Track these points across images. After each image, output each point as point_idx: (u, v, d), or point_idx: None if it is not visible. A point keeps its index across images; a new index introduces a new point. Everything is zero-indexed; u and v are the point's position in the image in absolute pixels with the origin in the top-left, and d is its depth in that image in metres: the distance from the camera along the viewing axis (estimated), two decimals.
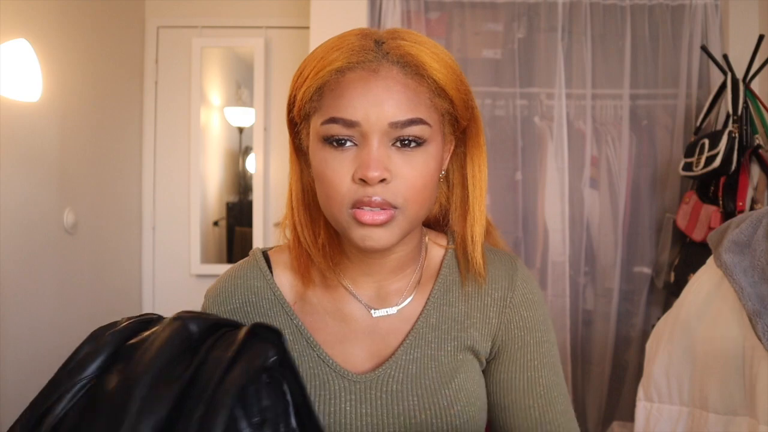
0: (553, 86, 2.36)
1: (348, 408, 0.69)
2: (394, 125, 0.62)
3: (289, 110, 0.70)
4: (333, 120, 0.63)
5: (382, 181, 0.62)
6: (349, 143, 0.64)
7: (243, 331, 0.58)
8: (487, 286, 0.75)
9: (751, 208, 1.88)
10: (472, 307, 0.75)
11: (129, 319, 0.61)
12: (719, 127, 2.11)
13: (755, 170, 1.92)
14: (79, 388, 0.55)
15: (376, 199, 0.62)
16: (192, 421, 0.50)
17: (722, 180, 1.95)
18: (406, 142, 0.64)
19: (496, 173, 2.39)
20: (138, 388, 0.52)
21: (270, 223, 2.90)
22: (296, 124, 0.71)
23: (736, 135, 1.92)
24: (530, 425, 0.72)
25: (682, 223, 2.10)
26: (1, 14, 1.87)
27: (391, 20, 2.34)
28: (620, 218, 2.37)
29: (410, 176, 0.64)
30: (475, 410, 0.72)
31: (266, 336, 0.59)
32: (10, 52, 1.88)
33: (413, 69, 0.64)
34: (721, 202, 1.94)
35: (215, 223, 3.04)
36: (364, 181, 0.62)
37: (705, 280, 0.99)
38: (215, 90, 3.01)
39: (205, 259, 2.93)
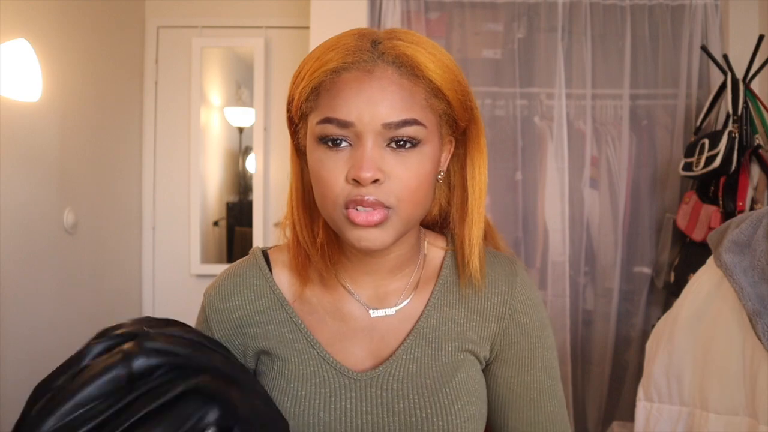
0: (553, 86, 2.36)
1: (349, 406, 0.70)
2: (388, 126, 0.62)
3: (288, 109, 0.70)
4: (328, 120, 0.63)
5: (376, 181, 0.63)
6: (344, 143, 0.64)
7: (178, 389, 0.55)
8: (486, 289, 0.75)
9: (751, 208, 1.88)
10: (472, 310, 0.75)
11: (122, 327, 0.61)
12: (719, 127, 2.11)
13: (755, 170, 1.92)
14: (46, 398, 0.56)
15: (369, 198, 0.62)
16: None
17: (722, 180, 1.95)
18: (401, 142, 0.64)
19: (496, 173, 2.39)
20: (51, 417, 0.52)
21: (270, 223, 2.90)
22: (295, 123, 0.71)
23: (736, 135, 1.92)
24: (521, 427, 0.76)
25: (682, 223, 2.10)
26: (1, 14, 1.87)
27: (391, 20, 2.33)
28: (620, 218, 2.37)
29: (404, 177, 0.64)
30: (476, 409, 0.73)
31: (216, 397, 0.55)
32: (10, 52, 1.88)
33: (408, 69, 0.64)
34: (721, 202, 1.94)
35: (215, 223, 3.04)
36: (357, 182, 0.62)
37: (705, 280, 0.99)
38: (215, 90, 3.01)
39: (205, 259, 2.93)
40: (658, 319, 1.14)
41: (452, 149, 0.73)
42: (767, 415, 0.85)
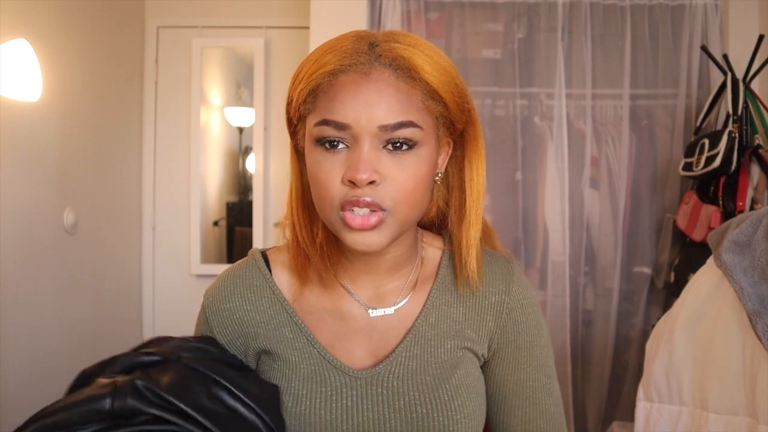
0: (553, 86, 2.36)
1: (350, 404, 0.70)
2: (384, 128, 0.63)
3: (287, 111, 0.71)
4: (325, 122, 0.64)
5: (372, 183, 0.63)
6: (341, 145, 0.65)
7: None
8: (484, 288, 0.76)
9: (751, 208, 1.88)
10: (470, 308, 0.76)
11: (155, 345, 0.63)
12: (719, 127, 2.11)
13: (755, 170, 1.92)
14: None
15: (365, 199, 0.63)
16: None
17: (722, 180, 1.95)
18: (397, 144, 0.64)
19: (496, 173, 2.39)
20: (30, 426, 0.54)
21: (270, 223, 2.90)
22: (294, 124, 0.72)
23: (736, 135, 1.92)
24: (514, 424, 0.77)
25: (682, 223, 2.10)
26: (1, 14, 1.87)
27: (391, 20, 2.33)
28: (620, 218, 2.37)
29: (400, 179, 0.64)
30: (475, 405, 0.74)
31: None
32: (10, 52, 1.88)
33: (405, 72, 0.64)
34: (721, 202, 1.94)
35: (215, 223, 3.04)
36: (353, 183, 0.63)
37: (705, 280, 0.99)
38: (215, 90, 3.01)
39: (205, 259, 2.93)
40: (658, 319, 1.14)
41: (450, 151, 0.74)
42: (767, 415, 0.85)
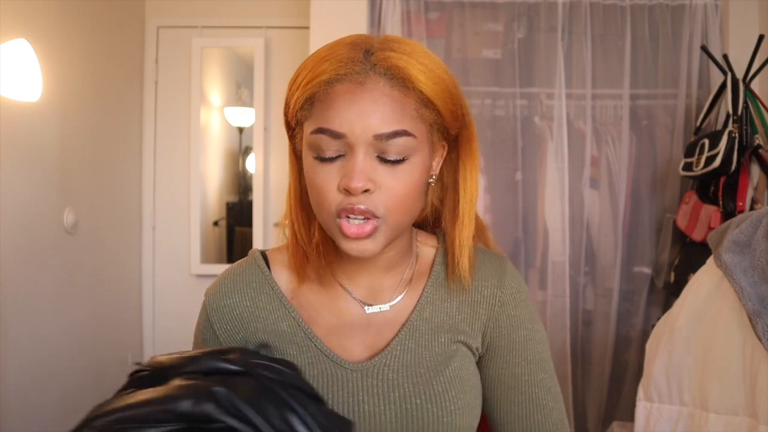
0: (553, 86, 2.36)
1: (346, 395, 0.72)
2: (379, 137, 0.64)
3: (285, 114, 0.72)
4: (321, 130, 0.66)
5: (366, 191, 0.65)
6: (336, 155, 0.66)
7: None
8: (477, 282, 0.78)
9: (751, 208, 1.89)
10: (463, 302, 0.78)
11: (234, 353, 0.64)
12: (719, 127, 2.11)
13: (755, 170, 1.92)
14: None
15: (360, 207, 0.65)
16: None
17: (722, 180, 1.95)
18: (390, 160, 0.66)
19: (496, 173, 2.39)
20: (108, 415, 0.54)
21: (270, 223, 2.90)
22: (292, 128, 0.73)
23: (736, 135, 1.92)
24: (512, 420, 0.78)
25: (682, 223, 2.10)
26: (1, 14, 1.88)
27: (391, 20, 2.33)
28: (620, 218, 2.37)
29: (394, 187, 0.66)
30: (470, 398, 0.75)
31: None
32: (10, 52, 1.88)
33: (399, 81, 0.65)
34: (721, 202, 1.94)
35: (215, 223, 3.04)
36: (348, 191, 0.65)
37: (705, 280, 0.99)
38: (215, 90, 3.01)
39: (205, 259, 2.93)
40: (658, 319, 1.14)
41: (445, 153, 0.75)
42: (767, 415, 0.85)
